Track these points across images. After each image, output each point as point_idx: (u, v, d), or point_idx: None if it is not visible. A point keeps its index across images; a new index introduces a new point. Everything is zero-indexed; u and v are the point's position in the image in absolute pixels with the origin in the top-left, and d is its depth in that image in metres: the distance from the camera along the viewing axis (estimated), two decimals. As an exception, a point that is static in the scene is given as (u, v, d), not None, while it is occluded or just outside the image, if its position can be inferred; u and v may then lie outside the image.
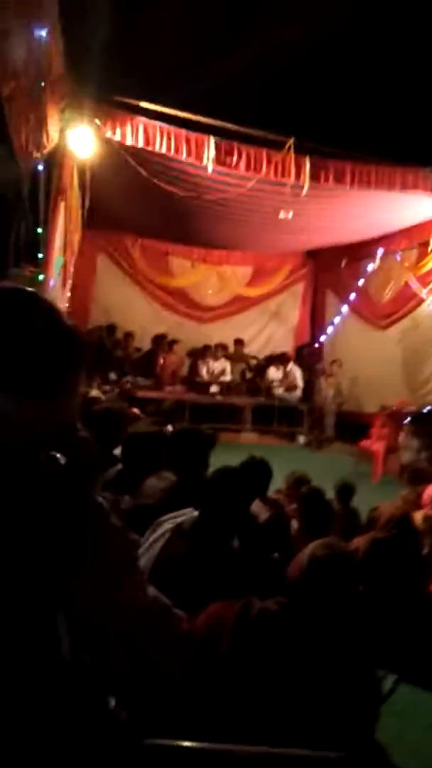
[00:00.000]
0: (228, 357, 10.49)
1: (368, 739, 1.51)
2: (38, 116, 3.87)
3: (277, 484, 4.33)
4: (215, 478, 2.04)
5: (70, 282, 8.49)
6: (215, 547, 1.94)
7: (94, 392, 5.62)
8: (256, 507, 2.77)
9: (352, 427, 9.09)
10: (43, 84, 3.91)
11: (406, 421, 7.85)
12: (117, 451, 2.81)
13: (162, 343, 10.14)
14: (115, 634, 1.01)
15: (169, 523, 2.00)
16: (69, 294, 8.60)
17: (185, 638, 1.21)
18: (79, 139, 5.65)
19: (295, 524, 3.30)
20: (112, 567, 1.00)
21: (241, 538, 2.39)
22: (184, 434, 2.53)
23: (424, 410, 7.93)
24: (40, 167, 4.42)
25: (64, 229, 6.58)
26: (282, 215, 6.93)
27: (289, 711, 1.37)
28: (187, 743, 1.07)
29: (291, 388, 10.10)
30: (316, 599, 1.47)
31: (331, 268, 10.87)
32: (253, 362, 10.85)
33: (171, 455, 2.46)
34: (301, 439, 9.79)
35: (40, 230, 4.96)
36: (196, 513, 2.01)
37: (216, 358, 10.20)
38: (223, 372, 10.17)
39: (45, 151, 4.48)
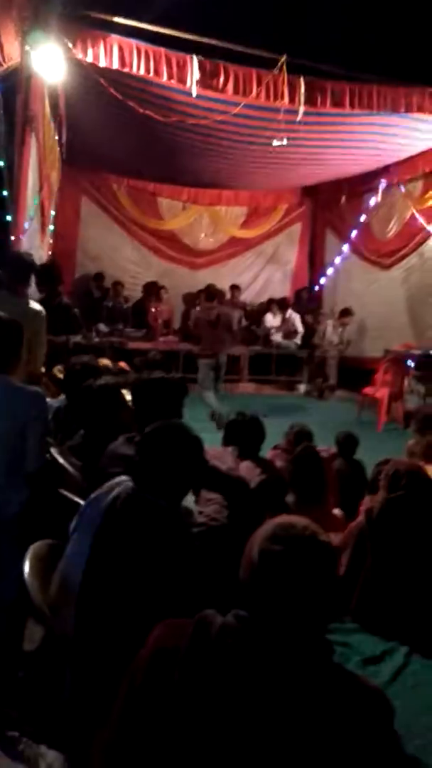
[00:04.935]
0: (223, 304, 10.00)
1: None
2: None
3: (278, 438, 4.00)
4: (150, 437, 1.65)
5: (51, 227, 7.98)
6: (160, 525, 1.56)
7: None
8: (248, 469, 2.41)
9: (356, 373, 8.71)
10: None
11: (411, 366, 7.49)
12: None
13: (153, 291, 9.65)
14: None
15: (100, 501, 1.62)
16: (51, 241, 8.10)
17: None
18: (46, 60, 5.02)
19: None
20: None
21: (230, 508, 2.04)
22: (146, 386, 2.12)
23: (431, 353, 7.52)
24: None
25: (38, 165, 6.02)
26: (276, 143, 6.33)
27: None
28: None
29: (290, 334, 9.66)
30: (277, 609, 1.04)
31: (330, 205, 10.26)
32: (249, 309, 10.38)
33: (135, 412, 2.06)
34: (302, 387, 9.42)
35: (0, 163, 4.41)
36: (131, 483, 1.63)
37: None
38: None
39: (1, 70, 3.93)
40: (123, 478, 1.65)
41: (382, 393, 7.49)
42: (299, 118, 5.95)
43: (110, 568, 1.51)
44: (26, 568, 1.60)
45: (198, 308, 8.35)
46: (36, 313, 3.71)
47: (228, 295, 10.27)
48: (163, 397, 2.06)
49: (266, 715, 1.02)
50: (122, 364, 5.33)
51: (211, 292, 7.33)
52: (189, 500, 2.27)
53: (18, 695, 1.58)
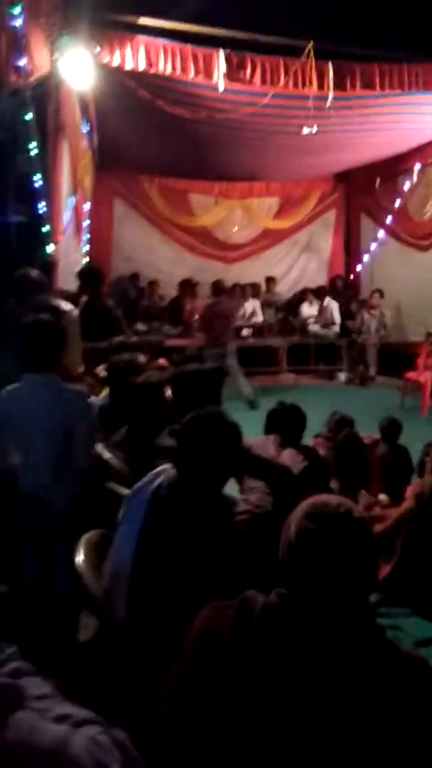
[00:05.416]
0: (257, 297, 9.99)
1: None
2: (10, 34, 3.40)
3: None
4: (187, 425, 1.67)
5: (87, 235, 8.09)
6: (203, 511, 1.59)
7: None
8: (290, 457, 2.42)
9: (397, 358, 8.57)
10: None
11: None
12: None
13: (187, 288, 9.71)
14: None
15: (144, 491, 1.66)
16: (88, 245, 8.21)
17: None
18: (75, 66, 5.10)
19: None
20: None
21: (273, 495, 2.06)
22: (182, 378, 2.16)
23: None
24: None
25: (72, 171, 6.13)
26: (306, 130, 6.27)
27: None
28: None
29: (327, 324, 9.57)
30: (315, 585, 1.06)
31: (365, 190, 10.10)
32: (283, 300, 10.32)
33: (175, 404, 2.11)
34: (342, 376, 9.32)
35: (37, 176, 4.51)
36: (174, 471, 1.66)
37: (244, 299, 9.71)
38: (253, 313, 9.70)
39: (31, 79, 4.01)
40: (165, 466, 1.69)
41: (425, 377, 7.36)
42: (329, 103, 5.89)
43: (158, 554, 1.56)
44: (80, 557, 1.66)
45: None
46: (65, 313, 3.77)
47: (263, 288, 10.25)
48: (199, 387, 2.10)
49: (311, 691, 1.03)
50: (161, 361, 5.40)
51: (218, 288, 7.72)
52: (233, 489, 2.30)
53: (76, 678, 1.65)
